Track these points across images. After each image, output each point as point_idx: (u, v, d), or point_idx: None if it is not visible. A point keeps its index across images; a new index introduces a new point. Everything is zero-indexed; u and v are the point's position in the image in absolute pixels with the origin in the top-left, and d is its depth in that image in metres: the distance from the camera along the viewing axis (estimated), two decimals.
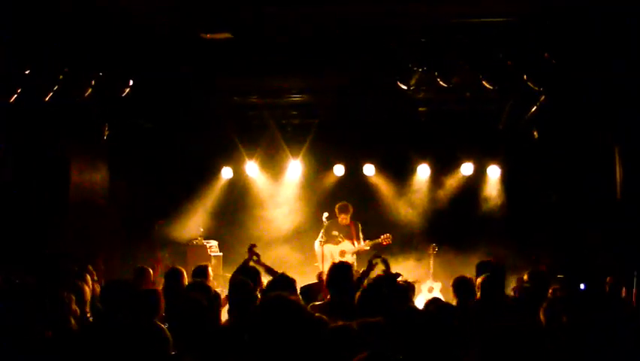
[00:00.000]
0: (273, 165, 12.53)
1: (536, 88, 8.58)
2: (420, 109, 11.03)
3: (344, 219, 10.68)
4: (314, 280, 8.68)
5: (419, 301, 8.56)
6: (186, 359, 4.58)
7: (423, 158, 12.15)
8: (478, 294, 6.33)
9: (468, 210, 11.98)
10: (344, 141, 11.96)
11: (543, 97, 9.40)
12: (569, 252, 10.65)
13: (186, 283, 6.98)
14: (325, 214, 10.32)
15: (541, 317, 5.36)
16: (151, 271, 7.90)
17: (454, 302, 6.42)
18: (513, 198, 11.84)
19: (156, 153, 11.77)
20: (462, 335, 3.74)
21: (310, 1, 7.25)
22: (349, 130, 11.69)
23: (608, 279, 7.69)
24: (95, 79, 8.59)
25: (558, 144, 10.82)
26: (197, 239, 11.57)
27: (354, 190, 11.97)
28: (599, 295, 7.57)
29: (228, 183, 12.60)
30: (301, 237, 11.70)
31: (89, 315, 6.22)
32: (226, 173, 12.53)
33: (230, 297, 5.95)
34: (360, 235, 10.71)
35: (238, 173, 12.53)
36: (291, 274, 6.39)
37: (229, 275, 7.32)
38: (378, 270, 7.21)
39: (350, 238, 10.62)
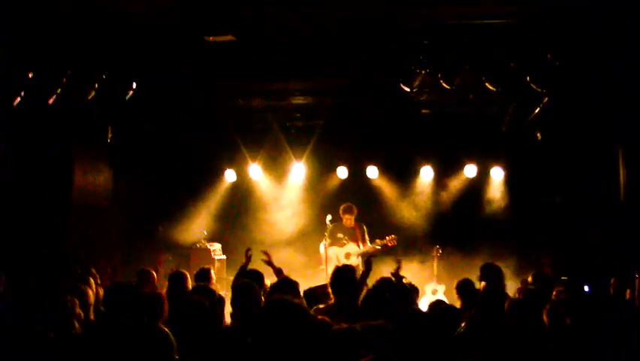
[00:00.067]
0: (276, 167, 12.50)
1: (539, 89, 8.57)
2: (423, 111, 11.01)
3: (348, 220, 10.66)
4: (318, 282, 8.67)
5: (423, 304, 8.56)
6: None
7: (426, 160, 12.10)
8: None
9: (471, 212, 11.92)
10: (347, 143, 11.94)
11: (546, 99, 9.39)
12: (572, 253, 10.61)
13: (190, 286, 6.98)
14: (329, 217, 10.31)
15: (545, 318, 5.36)
16: (154, 274, 7.89)
17: (457, 304, 6.43)
18: (517, 200, 11.79)
19: (159, 156, 11.73)
20: (466, 337, 3.74)
21: (310, 1, 7.25)
22: (352, 132, 11.67)
23: (612, 280, 7.68)
24: (98, 81, 8.59)
25: (561, 146, 10.79)
26: (200, 242, 11.54)
27: (358, 192, 11.92)
28: (603, 297, 7.55)
29: (232, 186, 12.57)
30: (305, 239, 11.67)
31: (92, 318, 6.22)
32: (229, 175, 12.51)
33: (233, 300, 5.91)
34: (366, 237, 10.69)
35: (241, 175, 12.51)
36: (294, 276, 6.40)
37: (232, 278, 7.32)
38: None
39: (355, 240, 10.60)
